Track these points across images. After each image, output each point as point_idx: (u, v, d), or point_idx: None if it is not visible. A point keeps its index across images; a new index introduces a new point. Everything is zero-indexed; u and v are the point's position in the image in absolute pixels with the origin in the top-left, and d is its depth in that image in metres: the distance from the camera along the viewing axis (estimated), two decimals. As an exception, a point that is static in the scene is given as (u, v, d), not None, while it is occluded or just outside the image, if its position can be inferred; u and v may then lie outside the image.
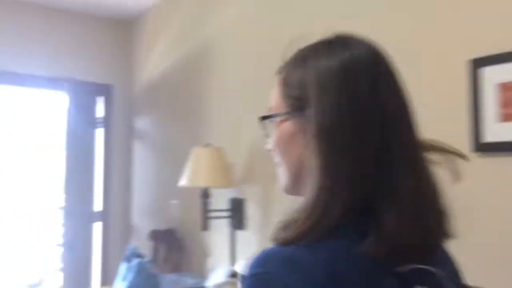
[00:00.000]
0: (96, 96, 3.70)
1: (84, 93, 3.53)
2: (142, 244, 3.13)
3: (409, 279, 0.60)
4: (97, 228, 3.65)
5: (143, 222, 3.62)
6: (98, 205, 3.66)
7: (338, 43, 0.69)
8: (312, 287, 0.56)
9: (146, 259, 2.66)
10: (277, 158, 0.73)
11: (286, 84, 0.70)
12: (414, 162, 0.64)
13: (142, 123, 3.73)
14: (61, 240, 3.44)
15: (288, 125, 0.69)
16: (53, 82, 3.46)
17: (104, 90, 3.73)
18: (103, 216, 3.68)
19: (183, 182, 2.41)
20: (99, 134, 3.69)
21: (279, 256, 0.60)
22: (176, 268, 2.93)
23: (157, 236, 3.10)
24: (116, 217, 3.72)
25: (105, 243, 3.69)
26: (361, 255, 0.58)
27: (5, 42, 3.30)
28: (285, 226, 0.63)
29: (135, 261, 2.58)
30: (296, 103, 0.68)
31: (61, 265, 3.49)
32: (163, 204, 3.28)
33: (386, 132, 0.63)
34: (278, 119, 0.71)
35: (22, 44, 3.36)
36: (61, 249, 3.44)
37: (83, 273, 3.51)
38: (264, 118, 0.73)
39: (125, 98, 3.79)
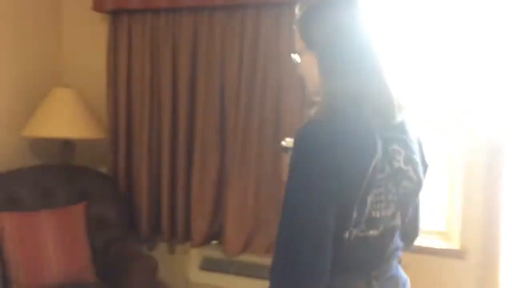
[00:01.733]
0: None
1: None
2: None
3: (389, 141, 1.04)
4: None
5: None
6: None
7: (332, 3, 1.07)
8: (333, 144, 0.95)
9: None
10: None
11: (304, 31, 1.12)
12: (379, 73, 1.05)
13: None
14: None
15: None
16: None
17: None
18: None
19: None
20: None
21: (316, 128, 1.00)
22: None
23: None
24: None
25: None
26: (362, 126, 1.00)
27: None
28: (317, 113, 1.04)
29: None
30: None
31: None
32: None
33: (363, 60, 1.05)
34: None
35: None
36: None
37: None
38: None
39: None
